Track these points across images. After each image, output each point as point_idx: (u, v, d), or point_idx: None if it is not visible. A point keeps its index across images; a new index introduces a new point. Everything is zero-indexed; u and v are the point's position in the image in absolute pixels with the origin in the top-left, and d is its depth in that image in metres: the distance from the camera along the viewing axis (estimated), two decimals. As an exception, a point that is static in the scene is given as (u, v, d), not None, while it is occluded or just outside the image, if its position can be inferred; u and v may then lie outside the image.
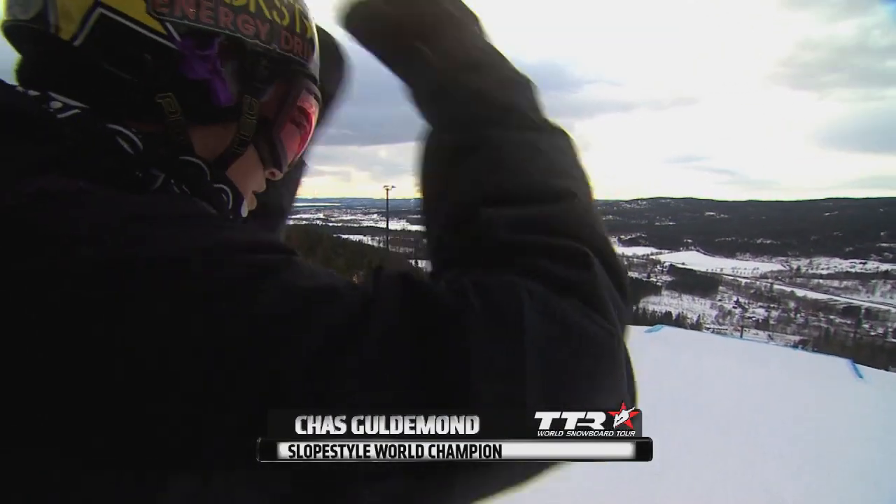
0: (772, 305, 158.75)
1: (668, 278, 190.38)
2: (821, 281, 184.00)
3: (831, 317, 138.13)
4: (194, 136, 0.50)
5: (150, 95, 0.47)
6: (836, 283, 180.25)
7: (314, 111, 0.61)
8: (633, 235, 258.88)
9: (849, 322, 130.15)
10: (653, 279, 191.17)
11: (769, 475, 7.60)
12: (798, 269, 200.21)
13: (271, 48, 0.53)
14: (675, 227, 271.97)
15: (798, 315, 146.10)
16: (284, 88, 0.56)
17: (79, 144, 0.41)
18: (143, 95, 0.47)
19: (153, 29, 0.46)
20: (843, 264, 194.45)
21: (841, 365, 16.69)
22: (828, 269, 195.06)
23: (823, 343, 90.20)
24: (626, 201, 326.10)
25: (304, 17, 0.57)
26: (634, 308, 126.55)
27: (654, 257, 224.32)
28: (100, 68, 0.45)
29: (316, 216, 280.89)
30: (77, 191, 0.36)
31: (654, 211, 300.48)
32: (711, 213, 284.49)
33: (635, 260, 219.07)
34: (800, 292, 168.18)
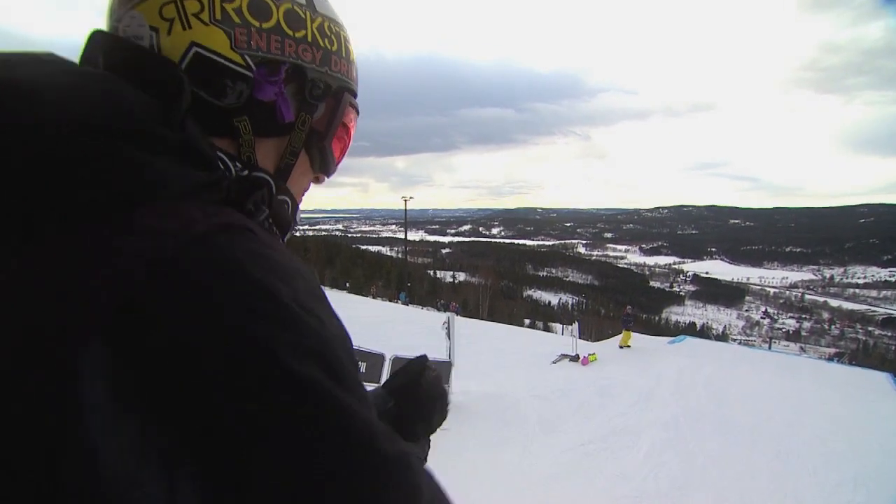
0: (803, 316, 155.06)
1: (691, 288, 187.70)
2: (857, 290, 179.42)
3: (870, 328, 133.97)
4: (256, 147, 0.59)
5: (230, 117, 0.56)
6: (873, 293, 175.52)
7: (354, 122, 0.71)
8: (655, 244, 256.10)
9: (889, 334, 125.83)
10: (675, 289, 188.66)
11: (801, 494, 7.20)
12: (831, 278, 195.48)
13: (323, 71, 0.63)
14: (698, 235, 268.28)
15: (833, 326, 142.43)
16: (333, 104, 0.66)
17: (231, 182, 0.51)
18: (224, 117, 0.56)
19: (235, 61, 0.55)
20: (881, 273, 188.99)
21: (881, 379, 16.09)
22: (864, 277, 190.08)
23: (862, 356, 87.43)
24: (647, 210, 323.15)
25: (347, 41, 0.67)
26: (657, 318, 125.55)
27: (676, 266, 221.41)
28: (195, 97, 0.52)
29: (335, 227, 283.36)
30: (250, 228, 0.45)
31: (676, 219, 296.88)
32: (736, 221, 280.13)
33: (657, 269, 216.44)
34: (834, 302, 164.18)
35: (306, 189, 0.70)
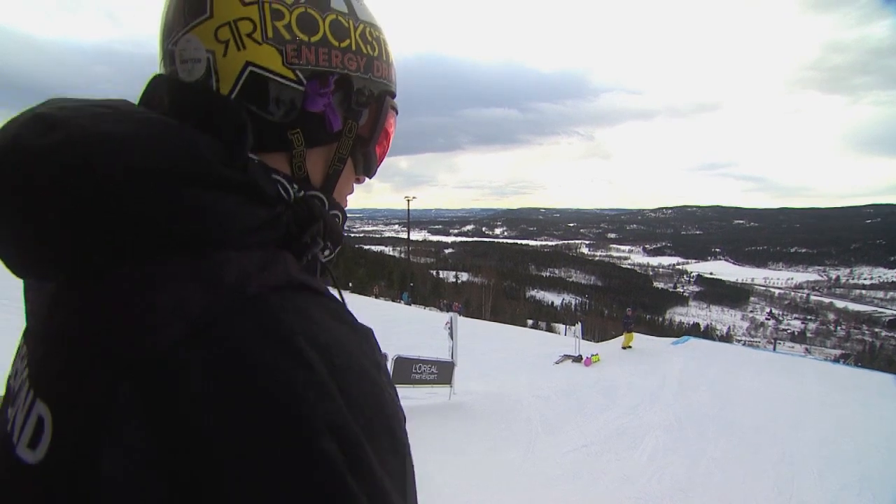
0: (808, 317, 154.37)
1: (695, 288, 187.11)
2: (863, 291, 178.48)
3: (876, 329, 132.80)
4: (307, 157, 0.61)
5: (284, 131, 0.58)
6: (880, 294, 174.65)
7: (395, 123, 0.73)
8: (659, 245, 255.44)
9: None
10: (679, 289, 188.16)
11: (806, 496, 7.15)
12: (837, 278, 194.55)
13: (367, 77, 0.64)
14: (703, 235, 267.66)
15: (838, 328, 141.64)
16: (376, 109, 0.67)
17: (290, 215, 0.54)
18: (277, 131, 0.57)
19: (287, 77, 0.56)
20: (887, 274, 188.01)
21: (886, 380, 16.01)
22: (870, 278, 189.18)
23: (868, 357, 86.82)
24: (651, 210, 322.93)
25: (386, 44, 0.68)
26: (661, 319, 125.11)
27: (680, 267, 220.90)
28: (248, 112, 0.54)
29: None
30: (303, 287, 0.47)
31: (680, 219, 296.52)
32: (740, 222, 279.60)
33: (661, 270, 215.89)
34: (840, 303, 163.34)
35: (351, 192, 0.71)
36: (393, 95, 0.71)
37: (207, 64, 0.55)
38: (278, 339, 0.41)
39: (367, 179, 0.74)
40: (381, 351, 0.51)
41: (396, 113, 0.73)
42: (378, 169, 0.73)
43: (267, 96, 0.56)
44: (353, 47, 0.62)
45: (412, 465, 0.48)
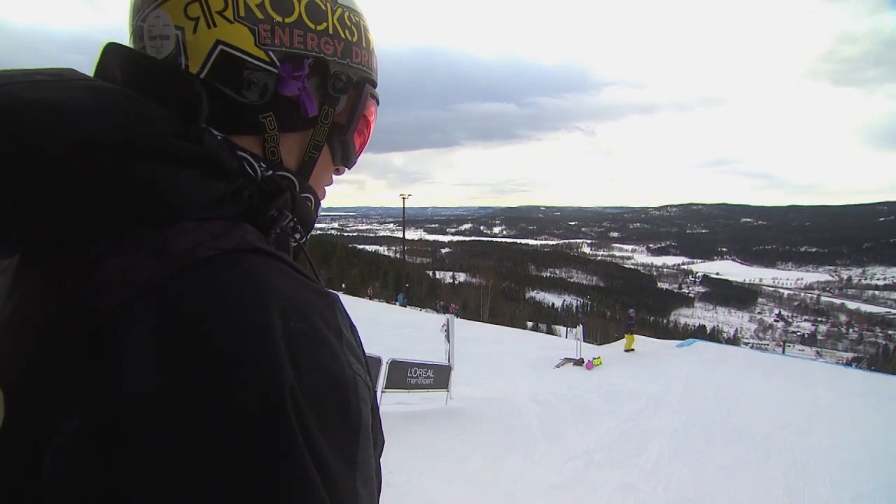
0: (819, 319, 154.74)
1: (701, 289, 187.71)
2: (876, 292, 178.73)
3: (890, 332, 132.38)
4: (280, 142, 0.61)
5: (256, 114, 0.58)
6: (894, 295, 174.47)
7: (375, 113, 0.74)
8: (663, 244, 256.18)
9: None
10: (685, 290, 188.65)
11: (818, 506, 7.19)
12: (849, 279, 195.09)
13: (345, 63, 0.64)
14: (709, 234, 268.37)
15: (850, 330, 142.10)
16: (354, 96, 0.68)
17: (253, 189, 0.54)
18: (249, 114, 0.58)
19: (260, 58, 0.57)
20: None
21: (900, 384, 16.06)
22: (883, 278, 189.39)
23: (881, 361, 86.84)
24: (655, 208, 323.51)
25: (367, 30, 0.69)
26: (665, 321, 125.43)
27: (685, 267, 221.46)
28: (219, 93, 0.55)
29: (331, 226, 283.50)
30: (258, 250, 0.47)
31: (685, 218, 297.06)
32: (748, 220, 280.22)
33: (665, 270, 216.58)
34: (852, 304, 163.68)
35: (329, 182, 0.72)
36: (374, 84, 0.71)
37: (176, 41, 0.55)
38: (225, 299, 0.41)
39: (346, 170, 0.75)
40: (346, 316, 0.51)
41: (377, 102, 0.73)
42: (357, 160, 0.73)
43: (238, 77, 0.56)
44: (331, 31, 0.62)
45: (370, 439, 0.48)
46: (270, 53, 0.57)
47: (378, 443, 0.53)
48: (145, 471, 0.36)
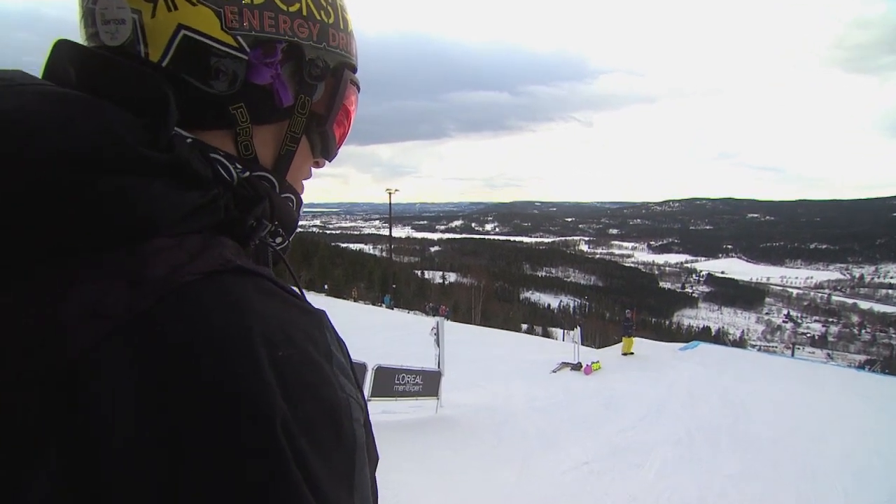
0: (830, 320, 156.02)
1: (705, 289, 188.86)
2: (889, 291, 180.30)
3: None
4: (254, 135, 0.60)
5: (225, 105, 0.57)
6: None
7: (356, 101, 0.73)
8: (665, 241, 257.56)
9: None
10: (688, 290, 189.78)
11: (830, 517, 7.25)
12: (861, 277, 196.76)
13: (321, 47, 0.63)
14: (713, 231, 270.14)
15: (863, 331, 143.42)
16: (333, 83, 0.66)
17: (229, 198, 0.53)
18: (218, 105, 0.56)
19: (227, 43, 0.55)
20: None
21: (916, 388, 16.24)
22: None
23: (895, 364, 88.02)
24: (657, 203, 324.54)
25: (344, 11, 0.67)
26: (668, 322, 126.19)
27: (689, 265, 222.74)
28: (184, 84, 0.54)
29: (312, 223, 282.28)
30: (240, 270, 0.46)
31: (688, 213, 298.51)
32: (754, 215, 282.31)
33: (668, 269, 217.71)
34: (864, 304, 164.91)
35: (307, 176, 0.71)
36: (353, 69, 0.70)
37: (133, 26, 0.53)
38: (207, 331, 0.40)
39: (326, 163, 0.74)
40: (335, 334, 0.51)
41: (358, 89, 0.72)
42: (338, 151, 0.72)
43: (205, 66, 0.55)
44: (304, 12, 0.61)
45: (365, 460, 0.48)
46: (239, 38, 0.56)
47: (372, 459, 0.53)
48: None
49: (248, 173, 0.58)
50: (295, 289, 0.52)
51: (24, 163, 0.41)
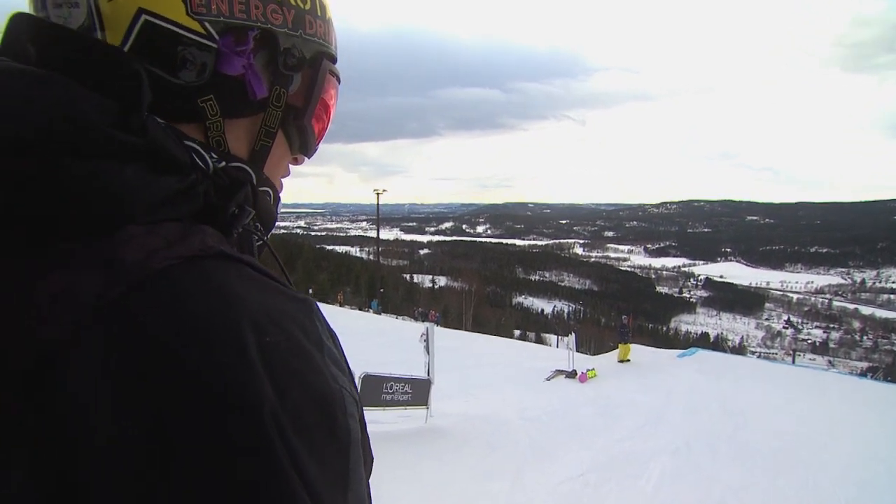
0: (831, 325, 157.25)
1: (703, 294, 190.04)
2: (891, 296, 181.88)
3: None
4: (226, 130, 0.58)
5: (193, 98, 0.55)
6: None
7: (336, 93, 0.71)
8: (662, 244, 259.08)
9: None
10: (686, 295, 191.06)
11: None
12: (863, 282, 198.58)
13: (297, 35, 0.61)
14: (711, 234, 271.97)
15: (865, 337, 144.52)
16: (311, 74, 0.64)
17: (209, 184, 0.52)
18: (185, 98, 0.54)
19: (194, 30, 0.53)
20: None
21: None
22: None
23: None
24: (654, 205, 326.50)
25: None
26: (665, 328, 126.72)
27: (686, 269, 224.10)
28: (147, 74, 0.50)
29: (297, 224, 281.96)
30: (222, 255, 0.45)
31: (685, 216, 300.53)
32: (754, 218, 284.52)
33: (665, 273, 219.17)
34: (866, 310, 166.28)
35: (286, 174, 0.70)
36: (333, 59, 0.68)
37: (88, 9, 0.51)
38: (189, 316, 0.40)
39: (305, 159, 0.72)
40: (325, 323, 0.50)
41: (338, 81, 0.70)
42: (318, 146, 0.71)
43: (169, 54, 0.53)
44: None
45: (360, 457, 0.47)
46: (206, 25, 0.54)
47: (367, 461, 0.52)
48: None
49: (223, 163, 0.56)
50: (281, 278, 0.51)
51: None
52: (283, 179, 0.69)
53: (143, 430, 0.36)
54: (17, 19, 0.52)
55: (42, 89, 0.43)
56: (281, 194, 0.68)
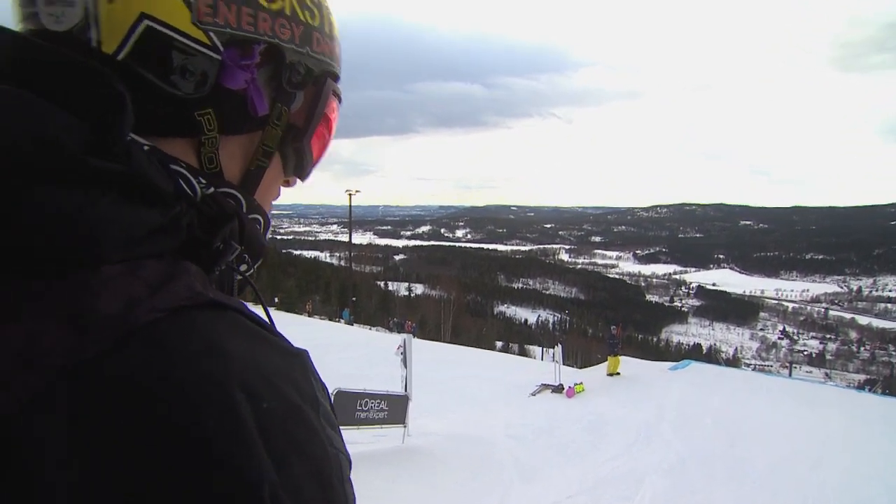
0: (828, 336, 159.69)
1: (695, 302, 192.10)
2: (889, 305, 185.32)
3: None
4: (221, 146, 0.58)
5: (190, 110, 0.55)
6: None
7: (336, 114, 0.72)
8: (652, 250, 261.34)
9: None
10: (677, 303, 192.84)
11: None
12: (859, 290, 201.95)
13: (304, 52, 0.62)
14: (704, 239, 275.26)
15: (862, 348, 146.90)
16: (314, 92, 0.65)
17: (193, 216, 0.51)
18: (182, 109, 0.55)
19: (198, 39, 0.54)
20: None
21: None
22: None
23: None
24: (643, 208, 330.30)
25: (329, 13, 0.67)
26: (655, 339, 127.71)
27: (677, 277, 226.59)
28: (142, 81, 0.51)
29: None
30: (213, 305, 0.44)
31: (677, 220, 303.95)
32: (747, 222, 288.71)
33: (655, 280, 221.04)
34: (863, 319, 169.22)
35: (276, 196, 0.70)
36: (336, 78, 0.69)
37: (85, 9, 0.51)
38: (179, 382, 0.38)
39: (297, 182, 0.73)
40: (318, 378, 0.50)
41: (340, 101, 0.71)
42: (313, 170, 0.72)
43: (169, 62, 0.53)
44: (288, 11, 0.60)
45: None
46: (212, 35, 0.54)
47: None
48: None
49: (212, 189, 0.56)
50: (266, 321, 0.51)
51: None
52: (273, 202, 0.69)
53: None
54: None
55: (10, 106, 0.41)
56: (270, 217, 0.68)
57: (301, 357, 0.48)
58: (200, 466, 0.36)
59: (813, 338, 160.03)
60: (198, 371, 0.39)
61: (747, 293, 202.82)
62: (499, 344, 69.62)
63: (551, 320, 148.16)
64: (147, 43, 0.52)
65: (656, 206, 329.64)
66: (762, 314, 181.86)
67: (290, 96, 0.62)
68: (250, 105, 0.58)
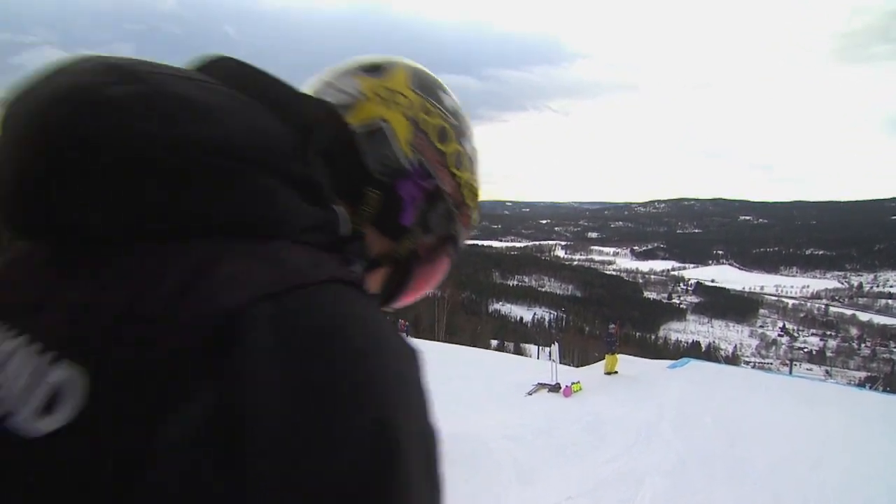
0: (828, 333, 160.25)
1: (694, 299, 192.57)
2: (890, 301, 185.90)
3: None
4: (364, 227, 0.69)
5: (366, 183, 0.68)
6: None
7: (442, 276, 0.85)
8: (650, 246, 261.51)
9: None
10: (675, 300, 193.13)
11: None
12: (860, 286, 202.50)
13: (454, 211, 0.78)
14: (702, 234, 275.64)
15: (863, 345, 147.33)
16: (436, 244, 0.78)
17: (345, 238, 0.59)
18: (361, 177, 0.68)
19: (403, 151, 0.70)
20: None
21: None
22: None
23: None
24: (641, 204, 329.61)
25: (479, 209, 0.85)
26: (653, 337, 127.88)
27: (676, 273, 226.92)
28: (352, 150, 0.67)
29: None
30: (355, 283, 0.51)
31: (675, 215, 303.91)
32: (747, 218, 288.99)
33: (653, 277, 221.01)
34: (864, 316, 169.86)
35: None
36: (457, 249, 0.83)
37: (353, 101, 0.70)
38: (346, 325, 0.45)
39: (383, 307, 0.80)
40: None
41: (450, 266, 0.85)
42: (397, 302, 0.80)
43: (377, 148, 0.69)
44: (462, 182, 0.78)
45: None
46: (414, 154, 0.71)
47: None
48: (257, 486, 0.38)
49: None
50: None
51: (199, 147, 0.47)
52: None
53: (296, 410, 0.40)
54: (221, 62, 0.62)
55: (251, 112, 0.53)
56: None
57: (417, 349, 0.53)
58: (364, 405, 0.42)
59: (813, 335, 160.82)
60: (357, 324, 0.46)
61: (746, 289, 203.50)
62: (494, 342, 69.64)
63: (547, 318, 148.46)
64: (374, 133, 0.70)
65: (654, 202, 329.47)
66: (762, 311, 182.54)
67: (426, 229, 0.75)
68: (402, 211, 0.71)
